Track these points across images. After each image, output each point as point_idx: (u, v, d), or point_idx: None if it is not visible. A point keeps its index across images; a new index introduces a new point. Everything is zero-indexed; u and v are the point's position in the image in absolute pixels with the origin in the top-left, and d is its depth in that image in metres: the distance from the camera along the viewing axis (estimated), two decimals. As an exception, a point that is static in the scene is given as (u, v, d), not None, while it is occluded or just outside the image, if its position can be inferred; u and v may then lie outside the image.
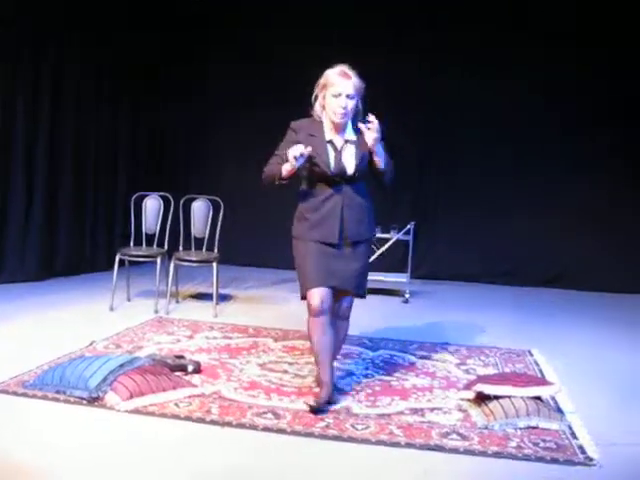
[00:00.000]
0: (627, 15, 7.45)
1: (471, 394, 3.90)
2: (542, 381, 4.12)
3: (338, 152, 3.70)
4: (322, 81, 3.68)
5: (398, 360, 4.75)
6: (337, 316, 3.84)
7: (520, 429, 3.50)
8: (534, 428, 3.52)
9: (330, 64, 3.71)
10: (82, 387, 3.71)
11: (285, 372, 4.37)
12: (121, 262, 6.07)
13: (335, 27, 7.79)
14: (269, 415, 3.62)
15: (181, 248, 6.25)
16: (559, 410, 3.79)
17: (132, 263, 6.27)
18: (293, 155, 3.51)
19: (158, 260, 6.04)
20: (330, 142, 3.71)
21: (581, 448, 3.32)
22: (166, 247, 6.25)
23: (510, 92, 7.68)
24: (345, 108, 3.61)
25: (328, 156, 3.68)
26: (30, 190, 6.93)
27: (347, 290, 3.81)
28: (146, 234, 6.26)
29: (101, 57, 7.68)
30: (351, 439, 3.37)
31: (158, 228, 6.22)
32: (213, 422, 3.50)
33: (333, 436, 3.39)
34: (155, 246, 6.18)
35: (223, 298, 6.50)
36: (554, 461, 3.18)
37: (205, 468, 3.02)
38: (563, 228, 7.72)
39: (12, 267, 6.80)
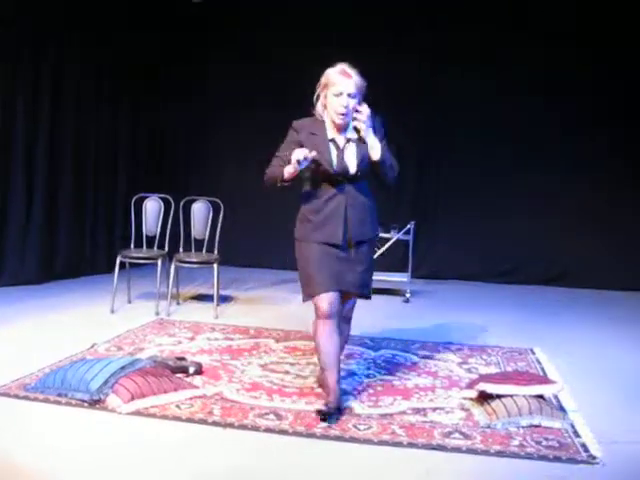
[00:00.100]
0: (627, 15, 7.44)
1: (473, 393, 3.89)
2: (544, 379, 4.11)
3: (340, 151, 3.66)
4: (323, 80, 3.64)
5: (400, 360, 4.75)
6: (340, 317, 3.80)
7: (522, 428, 3.50)
8: (536, 427, 3.51)
9: (330, 64, 3.68)
10: (83, 390, 3.71)
11: (287, 373, 4.37)
12: (121, 264, 6.06)
13: (335, 27, 7.78)
14: (271, 416, 3.62)
15: (181, 250, 6.25)
16: (561, 408, 3.78)
17: (132, 265, 6.26)
18: (296, 159, 3.48)
19: (159, 262, 6.04)
20: (332, 141, 3.68)
21: (584, 446, 3.31)
22: (166, 249, 6.25)
23: (510, 92, 7.67)
24: (346, 107, 3.57)
25: (330, 155, 3.64)
26: (30, 190, 6.92)
27: (353, 293, 3.80)
28: (146, 236, 6.25)
29: (101, 57, 7.68)
30: (353, 439, 3.36)
31: (158, 230, 6.22)
32: (215, 423, 3.49)
33: (335, 436, 3.38)
34: (155, 248, 6.18)
35: (224, 299, 6.50)
36: (557, 459, 3.17)
37: (207, 469, 3.01)
38: (563, 226, 7.71)
39: (12, 268, 6.79)
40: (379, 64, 7.25)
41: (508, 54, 7.70)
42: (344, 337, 3.93)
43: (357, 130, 3.64)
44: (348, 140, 3.68)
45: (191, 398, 3.81)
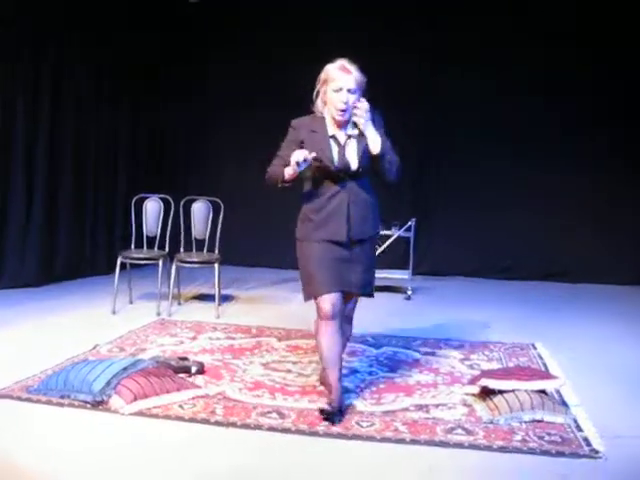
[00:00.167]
0: (627, 15, 7.42)
1: (476, 389, 3.90)
2: (546, 374, 4.11)
3: (341, 147, 3.62)
4: (323, 76, 3.61)
5: (402, 357, 4.75)
6: (342, 316, 3.77)
7: (525, 423, 3.50)
8: (539, 422, 3.52)
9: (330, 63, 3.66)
10: (86, 391, 3.71)
11: (289, 371, 4.37)
12: (122, 265, 6.06)
13: (335, 27, 7.74)
14: (274, 415, 3.62)
15: (182, 250, 6.25)
16: (564, 403, 3.78)
17: (133, 266, 6.27)
18: (295, 161, 3.46)
19: (160, 262, 6.04)
20: (333, 137, 3.64)
21: (586, 441, 3.31)
22: (167, 249, 6.25)
23: (510, 92, 7.67)
24: (346, 103, 3.53)
25: (331, 151, 3.60)
26: (30, 190, 6.91)
27: (355, 293, 3.79)
28: (147, 236, 6.26)
29: (101, 57, 7.69)
30: (356, 437, 3.36)
31: (159, 230, 6.22)
32: (217, 423, 3.50)
33: (338, 434, 3.39)
34: (156, 248, 6.18)
35: (225, 299, 6.51)
36: (559, 454, 3.18)
37: (210, 469, 3.02)
38: (563, 224, 7.72)
39: (12, 269, 6.78)
40: (379, 64, 7.23)
41: (508, 54, 7.69)
42: (346, 336, 3.93)
43: (357, 125, 3.61)
44: (349, 136, 3.64)
45: (193, 398, 3.81)
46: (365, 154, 3.60)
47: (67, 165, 7.35)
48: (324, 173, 3.62)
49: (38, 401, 3.72)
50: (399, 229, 6.96)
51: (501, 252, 7.94)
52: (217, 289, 6.00)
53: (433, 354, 4.82)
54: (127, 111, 8.19)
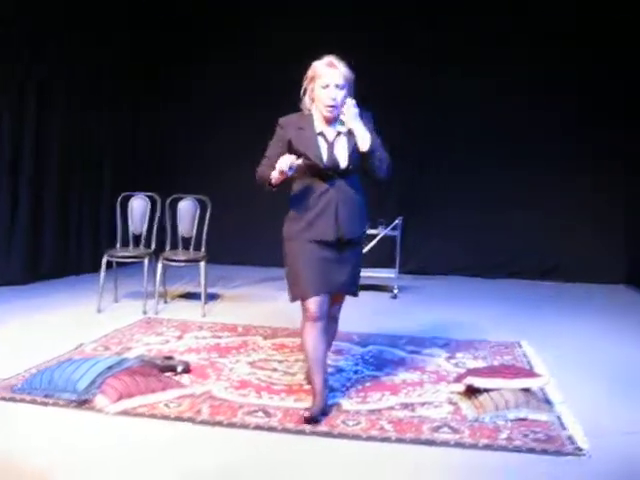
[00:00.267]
0: (627, 15, 7.45)
1: (461, 387, 3.91)
2: (531, 373, 4.13)
3: (330, 144, 3.57)
4: (310, 73, 3.57)
5: (388, 355, 4.76)
6: (328, 318, 3.73)
7: (510, 421, 3.51)
8: (524, 420, 3.53)
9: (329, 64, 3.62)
10: (71, 390, 3.69)
11: (275, 370, 4.37)
12: (108, 263, 6.03)
13: (335, 27, 7.72)
14: (260, 413, 3.61)
15: (168, 248, 6.23)
16: (548, 401, 3.80)
17: (119, 264, 6.24)
18: (280, 169, 3.41)
19: (145, 261, 6.02)
20: (321, 134, 3.59)
21: (570, 439, 3.33)
22: (153, 247, 6.23)
23: (510, 92, 7.70)
24: (334, 99, 3.50)
25: (319, 149, 3.56)
26: (16, 188, 6.86)
27: (341, 294, 3.79)
28: (133, 234, 6.23)
29: (101, 57, 7.67)
30: (342, 435, 3.37)
31: (145, 228, 6.19)
32: (203, 422, 3.49)
33: (324, 433, 3.39)
34: (142, 246, 6.16)
35: (211, 297, 6.49)
36: (544, 452, 3.19)
37: (196, 468, 3.01)
38: (553, 222, 7.78)
39: (-2, 268, 6.74)
40: (379, 64, 7.29)
41: (508, 54, 7.73)
42: (331, 334, 3.93)
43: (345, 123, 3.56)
44: (338, 133, 3.60)
45: (179, 397, 3.80)
46: (355, 151, 3.55)
47: (53, 163, 7.29)
48: (312, 171, 3.57)
49: (22, 400, 3.69)
50: (385, 228, 6.96)
51: (489, 250, 7.97)
52: (203, 287, 5.99)
53: (419, 352, 4.83)
54: (127, 111, 8.22)
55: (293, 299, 3.68)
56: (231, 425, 3.47)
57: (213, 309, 6.13)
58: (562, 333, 5.53)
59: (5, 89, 6.66)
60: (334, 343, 4.28)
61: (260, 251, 7.92)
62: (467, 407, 3.72)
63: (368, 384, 4.14)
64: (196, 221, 6.19)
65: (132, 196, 6.28)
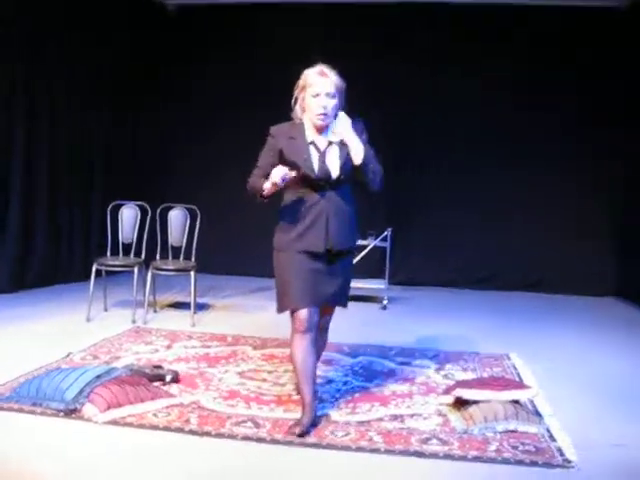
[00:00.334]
0: (627, 15, 7.52)
1: (450, 399, 3.91)
2: (520, 385, 4.14)
3: (322, 154, 3.56)
4: (301, 82, 3.57)
5: (377, 367, 4.76)
6: (317, 329, 3.70)
7: (499, 433, 3.52)
8: (513, 432, 3.54)
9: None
10: (59, 399, 3.67)
11: (264, 380, 4.36)
12: (98, 272, 6.01)
13: (335, 27, 7.77)
14: (249, 424, 3.60)
15: (158, 257, 6.21)
16: (537, 413, 3.81)
17: (109, 273, 6.21)
18: (273, 182, 3.42)
19: (135, 270, 6.00)
20: (312, 143, 3.57)
21: (559, 450, 3.34)
22: (143, 256, 6.21)
23: (510, 92, 7.74)
24: (325, 107, 3.49)
25: (311, 158, 3.54)
26: (6, 195, 6.81)
27: (330, 305, 3.78)
28: (123, 243, 6.21)
29: (101, 57, 7.68)
30: (330, 446, 3.36)
31: (135, 237, 6.18)
32: (192, 432, 3.47)
33: (313, 444, 3.38)
34: (132, 255, 6.14)
35: (201, 307, 6.48)
36: (533, 464, 3.20)
37: (184, 477, 2.99)
38: (541, 235, 7.82)
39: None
40: (379, 64, 7.31)
41: (508, 54, 7.77)
42: (321, 345, 3.92)
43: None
44: (330, 143, 3.58)
45: (168, 407, 3.78)
46: (347, 162, 3.54)
47: (42, 165, 7.23)
48: (303, 181, 3.55)
49: (10, 409, 3.66)
50: (375, 239, 6.96)
51: (478, 262, 8.02)
52: (193, 297, 5.97)
53: (408, 364, 4.83)
54: (127, 111, 8.27)
55: (280, 310, 3.65)
56: (220, 435, 3.45)
57: (203, 319, 6.11)
58: (552, 345, 5.54)
59: (5, 89, 6.65)
60: (324, 354, 4.28)
61: (250, 261, 7.91)
62: (456, 419, 3.73)
63: (357, 395, 4.14)
64: (186, 230, 6.18)
65: (122, 205, 6.26)
